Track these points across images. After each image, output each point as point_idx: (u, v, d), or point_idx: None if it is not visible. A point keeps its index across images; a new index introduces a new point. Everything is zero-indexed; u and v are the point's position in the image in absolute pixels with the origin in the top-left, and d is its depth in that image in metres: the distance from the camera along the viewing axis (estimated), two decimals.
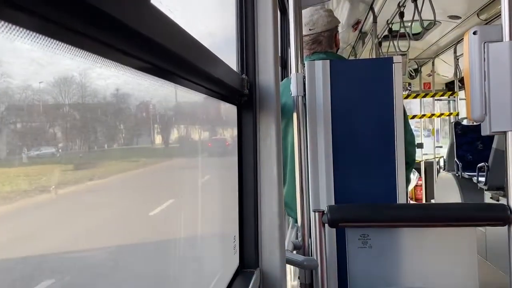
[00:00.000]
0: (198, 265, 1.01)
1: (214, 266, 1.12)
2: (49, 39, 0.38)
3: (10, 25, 0.33)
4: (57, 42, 0.39)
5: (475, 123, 4.59)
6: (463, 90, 5.96)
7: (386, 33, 4.34)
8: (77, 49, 0.42)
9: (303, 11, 1.95)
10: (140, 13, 0.48)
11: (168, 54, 0.59)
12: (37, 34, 0.37)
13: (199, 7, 1.01)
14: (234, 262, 1.16)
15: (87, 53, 0.44)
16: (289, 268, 1.91)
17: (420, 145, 5.74)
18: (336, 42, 1.95)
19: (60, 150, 0.47)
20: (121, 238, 0.65)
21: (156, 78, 0.64)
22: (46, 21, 0.36)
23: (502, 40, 1.31)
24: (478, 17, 3.81)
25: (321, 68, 1.63)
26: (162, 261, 0.80)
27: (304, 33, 1.90)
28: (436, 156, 6.18)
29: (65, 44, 0.40)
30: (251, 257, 1.18)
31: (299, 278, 1.74)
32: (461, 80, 5.87)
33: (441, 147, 6.44)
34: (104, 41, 0.45)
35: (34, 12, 0.34)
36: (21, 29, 0.35)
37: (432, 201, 5.81)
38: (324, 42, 1.90)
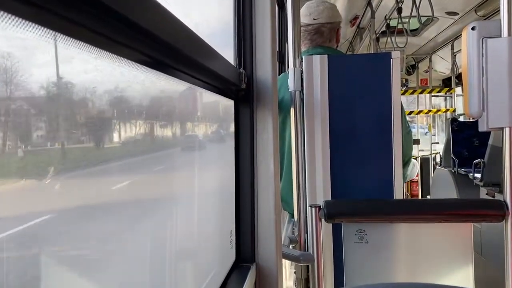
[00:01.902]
0: (194, 259, 1.01)
1: (210, 261, 1.12)
2: (43, 28, 0.37)
3: (7, 14, 0.32)
4: (52, 31, 0.38)
5: (472, 119, 4.61)
6: (460, 87, 5.99)
7: (384, 28, 4.34)
8: (72, 39, 0.41)
9: (307, 4, 1.95)
10: (137, 3, 0.47)
11: (165, 46, 0.58)
12: (32, 24, 0.36)
13: (196, 0, 1.00)
14: (230, 256, 1.16)
15: (83, 43, 0.43)
16: (285, 263, 1.92)
17: (417, 141, 5.76)
18: (337, 37, 1.96)
19: None
20: (118, 231, 0.65)
21: (153, 70, 0.64)
22: (39, 9, 0.35)
23: (500, 36, 1.30)
24: (476, 13, 3.80)
25: (318, 63, 1.63)
26: (159, 256, 0.80)
27: (307, 22, 1.90)
28: (433, 152, 6.20)
29: (59, 34, 0.39)
30: (247, 252, 1.18)
31: (295, 272, 1.75)
32: (458, 77, 5.88)
33: (437, 143, 6.46)
34: (100, 32, 0.44)
35: (30, 1, 0.34)
36: (16, 18, 0.34)
37: (428, 197, 5.83)
38: (326, 34, 1.91)
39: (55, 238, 0.50)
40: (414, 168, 1.98)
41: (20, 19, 0.34)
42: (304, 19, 1.92)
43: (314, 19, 1.90)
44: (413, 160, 1.95)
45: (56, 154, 0.49)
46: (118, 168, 0.66)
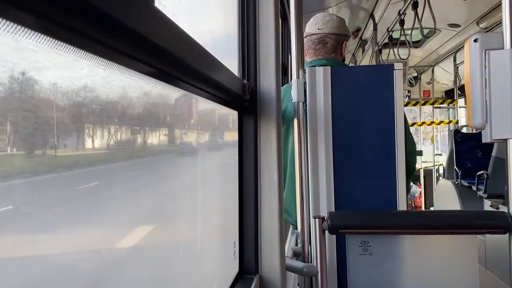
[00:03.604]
0: (198, 270, 1.01)
1: (214, 272, 1.11)
2: (53, 39, 0.38)
3: (15, 25, 0.33)
4: (61, 43, 0.39)
5: (475, 131, 4.61)
6: (463, 98, 6.00)
7: (386, 40, 4.36)
8: (81, 50, 0.42)
9: (316, 15, 1.97)
10: (145, 16, 0.48)
11: (171, 58, 0.59)
12: (41, 35, 0.37)
13: (202, 12, 1.01)
14: (234, 268, 1.15)
15: (91, 55, 0.44)
16: (289, 275, 1.91)
17: (420, 153, 5.75)
18: (341, 50, 1.95)
19: None
20: (119, 244, 0.65)
21: (159, 81, 0.64)
22: (50, 22, 0.36)
23: (503, 48, 1.31)
24: (478, 25, 3.83)
25: (322, 74, 1.64)
26: (162, 267, 0.80)
27: (312, 31, 1.92)
28: (436, 163, 6.19)
29: (69, 46, 0.40)
30: (251, 263, 1.17)
31: (298, 285, 1.73)
32: (461, 88, 5.90)
33: (440, 154, 6.46)
34: (108, 44, 0.45)
35: (39, 12, 0.34)
36: (25, 29, 0.35)
37: (432, 208, 5.80)
38: (330, 45, 1.91)
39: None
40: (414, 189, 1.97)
41: (37, 33, 0.35)
42: (309, 28, 1.94)
43: (318, 28, 1.91)
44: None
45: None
46: (122, 173, 0.66)
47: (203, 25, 0.98)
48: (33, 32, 0.35)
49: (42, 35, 0.36)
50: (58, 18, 0.36)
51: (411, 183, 1.92)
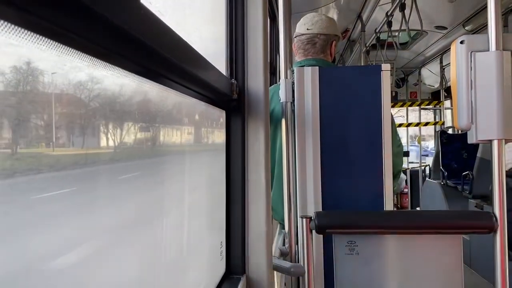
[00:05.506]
0: (184, 271, 1.00)
1: (200, 272, 1.10)
2: (37, 35, 0.37)
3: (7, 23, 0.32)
4: (44, 38, 0.38)
5: (461, 132, 4.67)
6: (449, 100, 6.08)
7: (374, 42, 4.39)
8: (64, 46, 0.41)
9: (306, 15, 1.97)
10: (130, 12, 0.47)
11: (157, 56, 0.58)
12: (25, 31, 0.36)
13: (189, 10, 1.00)
14: (220, 268, 1.15)
15: (74, 51, 0.43)
16: (276, 275, 1.90)
17: (406, 154, 5.81)
18: (331, 50, 1.96)
19: None
20: (104, 245, 0.64)
21: (144, 79, 0.64)
22: (32, 16, 0.35)
23: (488, 50, 1.33)
24: (464, 28, 3.88)
25: (310, 75, 1.64)
26: (148, 267, 0.79)
27: (301, 32, 1.92)
28: (422, 164, 6.25)
29: (52, 41, 0.39)
30: (237, 263, 1.17)
31: (285, 284, 1.73)
32: (447, 90, 5.98)
33: (427, 155, 6.53)
34: (91, 40, 0.44)
35: (23, 8, 0.34)
36: (8, 24, 0.34)
37: (418, 208, 5.86)
38: (319, 45, 1.91)
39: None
40: (403, 183, 1.99)
41: (19, 27, 0.34)
42: (299, 29, 1.95)
43: (307, 29, 1.92)
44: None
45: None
46: (108, 172, 0.65)
47: (190, 23, 0.97)
48: (14, 26, 0.34)
49: (24, 30, 0.35)
50: (39, 12, 0.35)
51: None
